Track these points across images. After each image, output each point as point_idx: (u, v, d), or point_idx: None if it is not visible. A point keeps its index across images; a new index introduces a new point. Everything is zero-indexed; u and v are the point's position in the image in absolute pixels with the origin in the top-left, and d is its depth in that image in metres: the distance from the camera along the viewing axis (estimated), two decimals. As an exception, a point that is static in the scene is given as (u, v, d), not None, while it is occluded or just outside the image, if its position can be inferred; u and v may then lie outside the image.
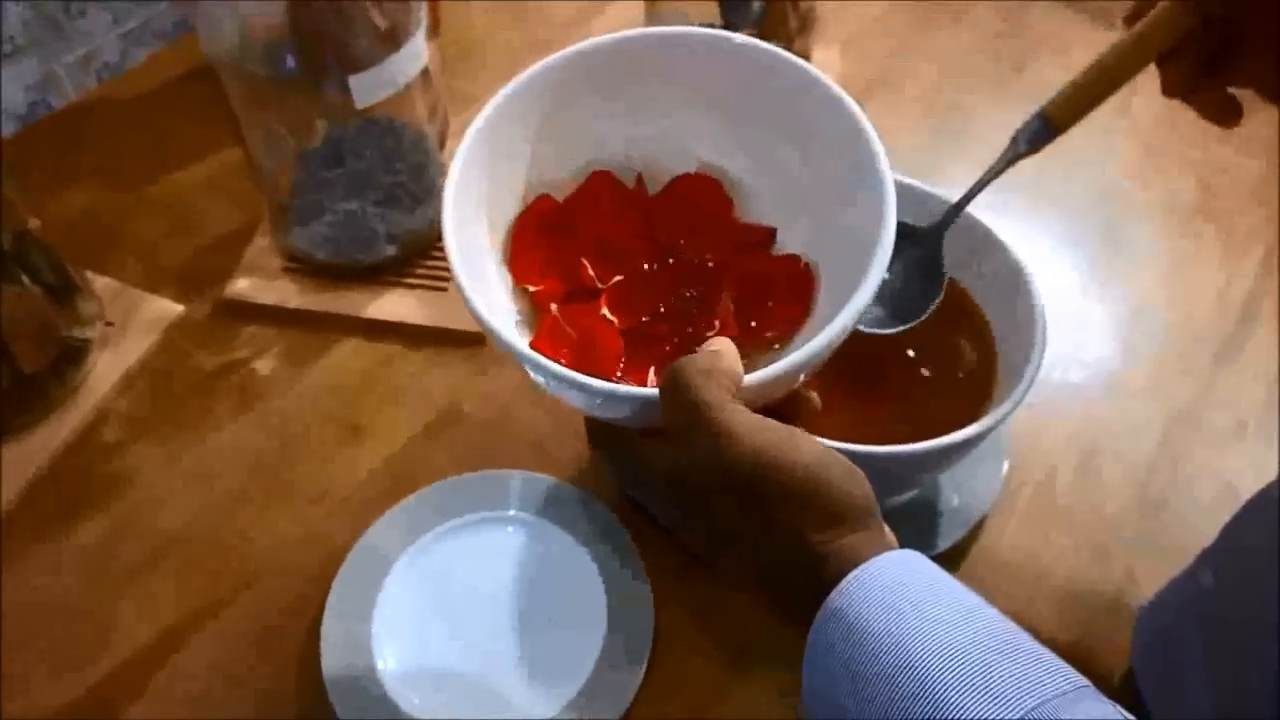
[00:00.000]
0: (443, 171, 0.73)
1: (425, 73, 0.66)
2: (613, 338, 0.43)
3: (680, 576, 0.58)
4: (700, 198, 0.47)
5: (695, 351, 0.38)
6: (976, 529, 0.61)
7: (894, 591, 0.34)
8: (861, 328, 0.50)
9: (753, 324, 0.44)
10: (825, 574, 0.35)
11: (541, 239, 0.46)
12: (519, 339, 0.41)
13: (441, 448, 0.64)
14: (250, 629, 0.57)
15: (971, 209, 0.59)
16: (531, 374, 0.39)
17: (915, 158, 0.82)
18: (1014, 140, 0.52)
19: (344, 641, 0.55)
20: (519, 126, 0.45)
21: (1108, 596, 0.59)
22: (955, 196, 0.60)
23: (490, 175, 0.44)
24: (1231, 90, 0.48)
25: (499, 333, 0.39)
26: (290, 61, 0.60)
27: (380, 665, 0.54)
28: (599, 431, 0.41)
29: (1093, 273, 0.75)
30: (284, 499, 0.62)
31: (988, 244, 0.59)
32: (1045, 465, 0.65)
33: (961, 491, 0.62)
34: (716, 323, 0.44)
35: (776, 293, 0.44)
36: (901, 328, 0.53)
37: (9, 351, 0.61)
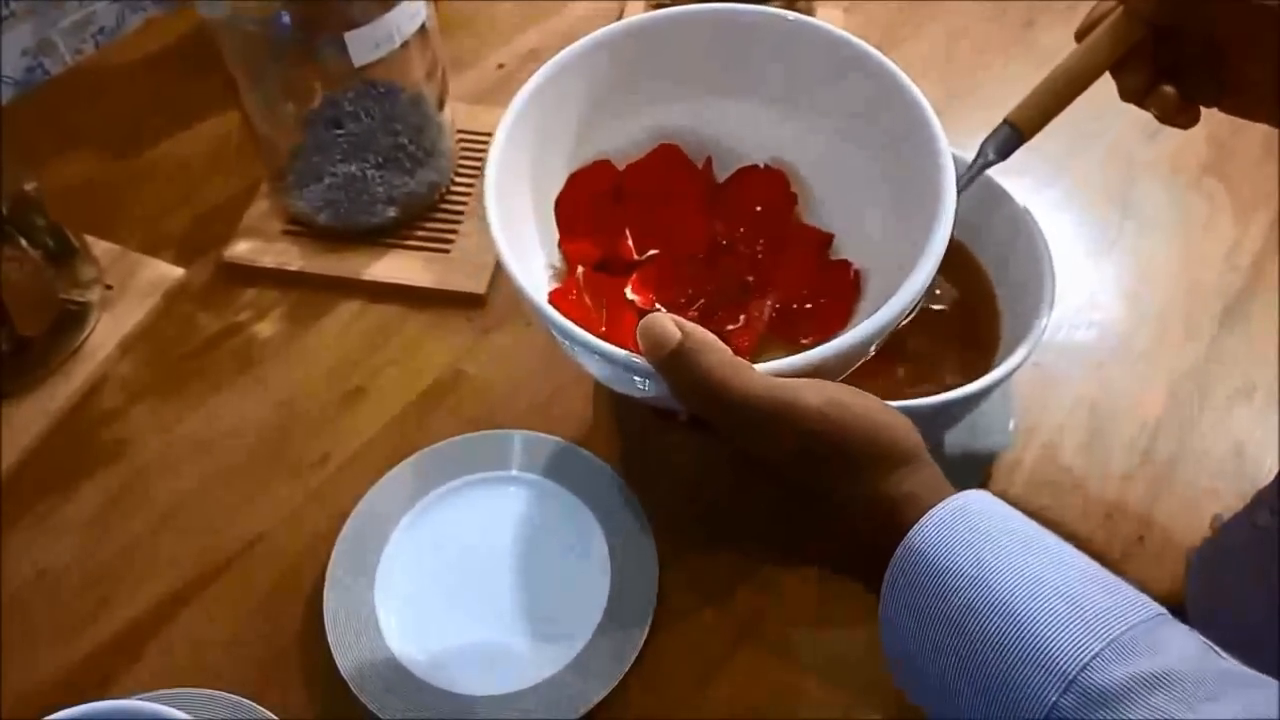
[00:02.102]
0: (442, 133, 0.72)
1: (423, 31, 0.65)
2: (630, 319, 0.41)
3: (686, 533, 0.58)
4: (765, 191, 0.46)
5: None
6: (982, 489, 0.61)
7: (974, 529, 0.34)
8: None
9: (790, 324, 0.43)
10: (903, 516, 0.35)
11: (593, 200, 0.45)
12: (538, 287, 0.39)
13: (444, 409, 0.64)
14: (253, 592, 0.57)
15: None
16: (545, 325, 0.38)
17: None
18: (982, 149, 0.53)
19: (347, 603, 0.55)
20: (591, 81, 0.43)
21: (1115, 558, 0.59)
22: (968, 155, 0.59)
23: (553, 123, 0.43)
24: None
25: (512, 268, 0.37)
26: (285, 18, 0.59)
27: (384, 625, 0.54)
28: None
29: (1102, 232, 0.74)
30: (286, 461, 0.62)
31: (997, 200, 0.58)
32: (1052, 425, 0.64)
33: (967, 450, 0.62)
34: (742, 317, 0.42)
35: (821, 297, 0.43)
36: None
37: (7, 315, 0.61)
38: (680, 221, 0.45)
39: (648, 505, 0.57)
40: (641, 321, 0.35)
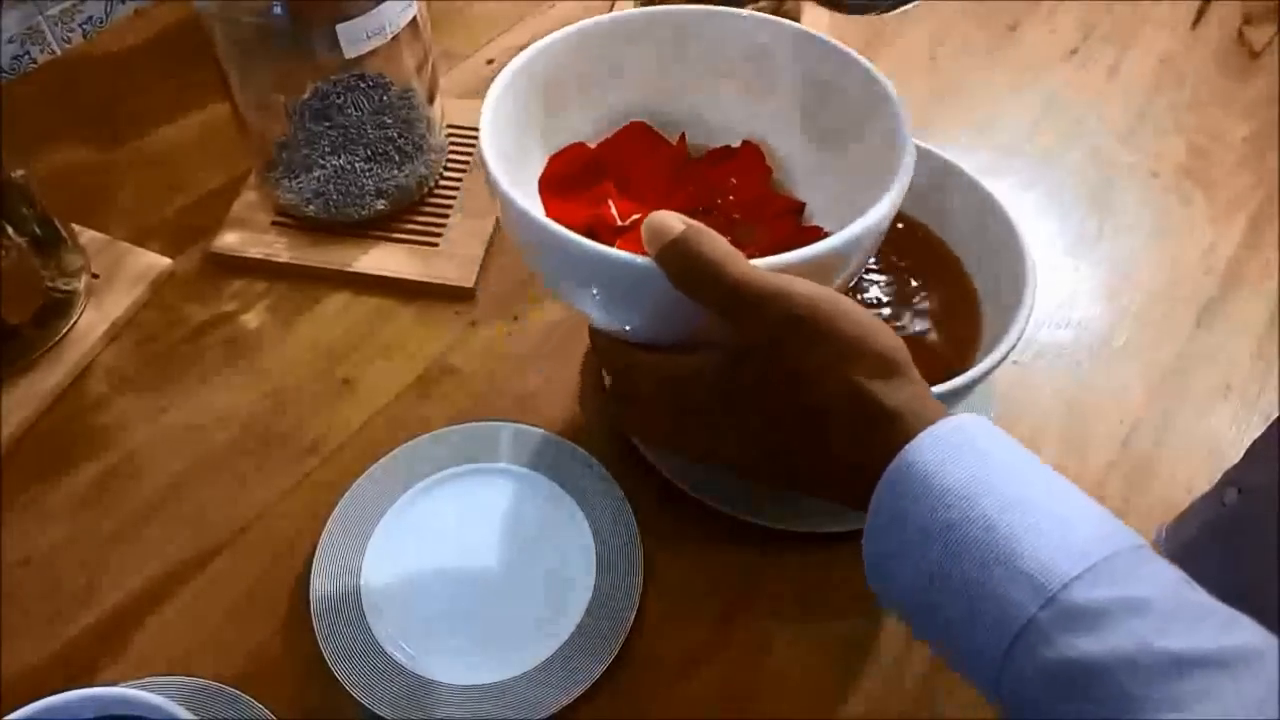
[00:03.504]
0: (432, 127, 0.73)
1: (414, 25, 0.66)
2: None
3: (670, 527, 0.58)
4: (741, 164, 0.49)
5: None
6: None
7: (970, 449, 0.35)
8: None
9: None
10: (898, 430, 0.36)
11: (573, 177, 0.47)
12: (534, 206, 0.42)
13: (432, 401, 0.64)
14: (240, 581, 0.57)
15: (965, 165, 0.59)
16: (536, 246, 0.41)
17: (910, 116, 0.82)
18: None
19: (333, 593, 0.55)
20: (573, 69, 0.47)
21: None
22: (950, 155, 0.60)
23: (532, 107, 0.46)
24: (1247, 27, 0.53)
25: (502, 188, 0.40)
26: (278, 8, 0.59)
27: (370, 615, 0.55)
28: (606, 352, 0.43)
29: (1081, 233, 0.76)
30: (273, 452, 0.62)
31: (979, 200, 0.59)
32: (1031, 422, 0.65)
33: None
34: None
35: None
36: (894, 10, 0.55)
37: (-7, 302, 0.61)
38: (659, 187, 0.48)
39: (633, 495, 0.58)
40: (646, 219, 0.38)
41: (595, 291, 0.40)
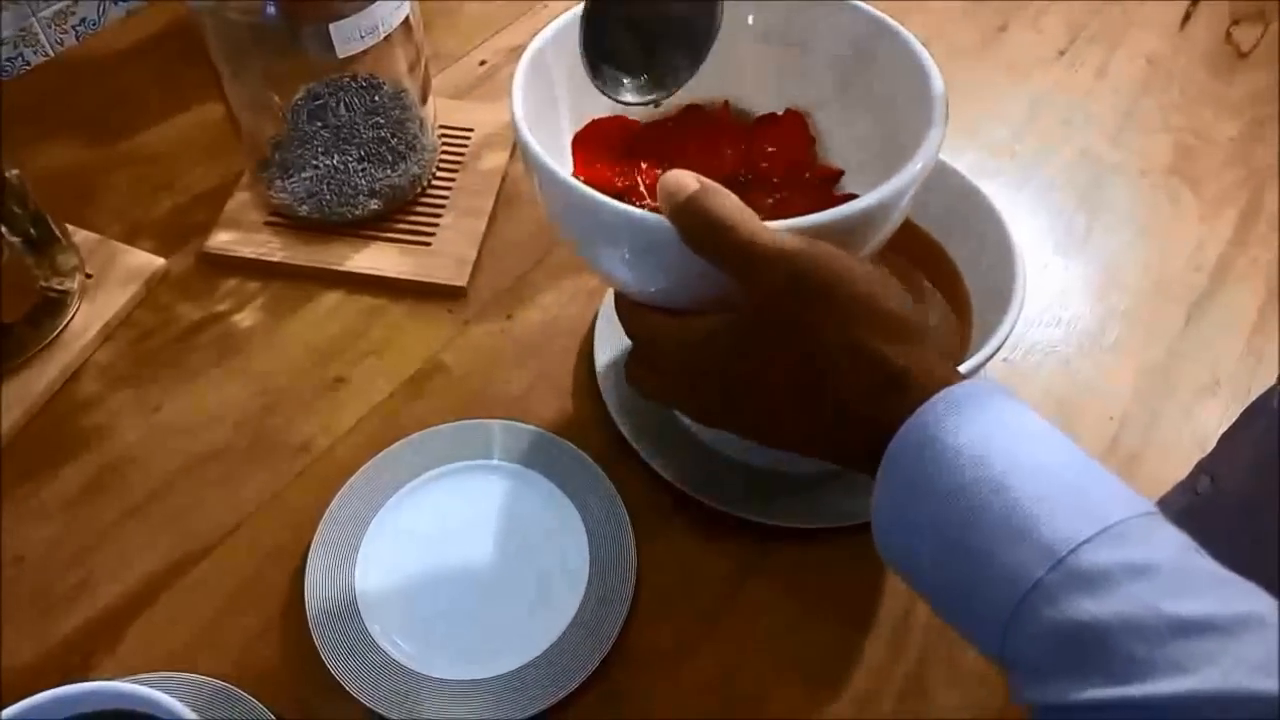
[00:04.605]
0: (424, 127, 0.73)
1: (407, 25, 0.66)
2: None
3: (663, 523, 0.59)
4: (783, 132, 0.50)
5: None
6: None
7: (983, 414, 0.35)
8: (620, 98, 0.47)
9: None
10: (911, 391, 0.36)
11: (611, 141, 0.48)
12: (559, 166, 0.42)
13: (424, 400, 0.64)
14: (233, 579, 0.57)
15: (959, 166, 0.60)
16: (559, 201, 0.41)
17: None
18: None
19: (328, 589, 0.55)
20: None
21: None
22: (941, 154, 0.60)
23: (564, 74, 0.46)
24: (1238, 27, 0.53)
25: (531, 144, 0.41)
26: (271, 8, 0.60)
27: (364, 611, 0.55)
28: (628, 317, 0.44)
29: (1070, 232, 0.76)
30: (267, 450, 0.62)
31: (971, 200, 0.59)
32: (1021, 419, 0.65)
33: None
34: None
35: None
36: (662, 94, 0.48)
37: (-14, 301, 0.61)
38: (699, 153, 0.48)
39: (626, 493, 0.58)
40: (661, 177, 0.38)
41: (619, 253, 0.40)
